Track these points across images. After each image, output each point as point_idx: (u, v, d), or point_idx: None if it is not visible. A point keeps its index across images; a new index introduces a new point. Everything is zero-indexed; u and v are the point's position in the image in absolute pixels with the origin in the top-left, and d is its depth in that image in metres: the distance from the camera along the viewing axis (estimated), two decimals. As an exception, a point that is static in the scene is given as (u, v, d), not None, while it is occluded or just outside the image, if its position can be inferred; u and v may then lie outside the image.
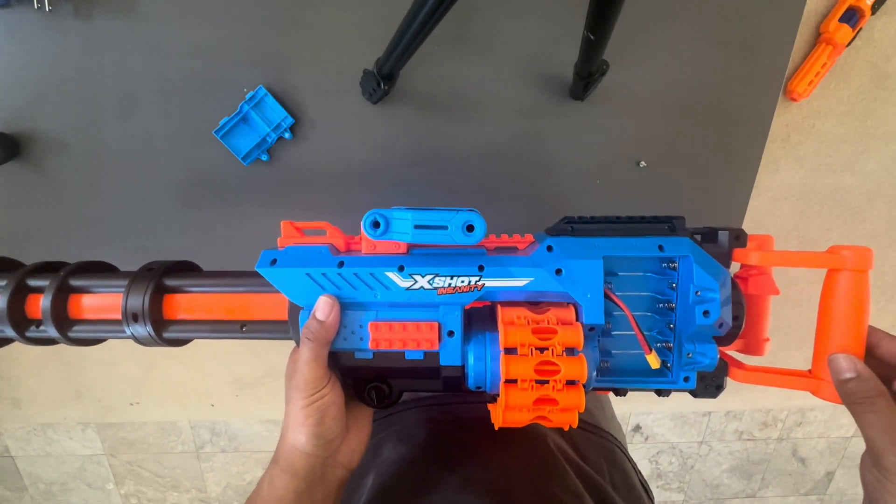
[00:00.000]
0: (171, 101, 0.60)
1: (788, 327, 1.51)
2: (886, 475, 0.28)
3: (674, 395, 0.36)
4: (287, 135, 0.62)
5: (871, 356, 0.32)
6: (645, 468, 1.86)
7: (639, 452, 1.81)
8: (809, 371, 0.33)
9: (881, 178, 1.35)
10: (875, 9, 1.15)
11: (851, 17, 1.14)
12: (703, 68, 0.64)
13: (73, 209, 0.64)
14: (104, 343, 1.46)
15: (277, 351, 1.45)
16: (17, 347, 1.54)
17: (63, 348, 1.36)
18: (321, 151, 0.63)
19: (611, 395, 0.37)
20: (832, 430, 1.82)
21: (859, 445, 1.85)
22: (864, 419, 0.29)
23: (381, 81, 0.55)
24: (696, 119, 0.66)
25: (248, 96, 0.60)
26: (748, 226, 0.72)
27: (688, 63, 0.63)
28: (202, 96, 0.60)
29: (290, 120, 0.61)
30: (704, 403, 1.64)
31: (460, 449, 0.43)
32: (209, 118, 0.60)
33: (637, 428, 1.74)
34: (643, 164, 0.67)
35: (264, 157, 0.63)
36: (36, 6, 0.54)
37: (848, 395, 0.30)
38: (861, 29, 1.17)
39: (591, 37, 0.45)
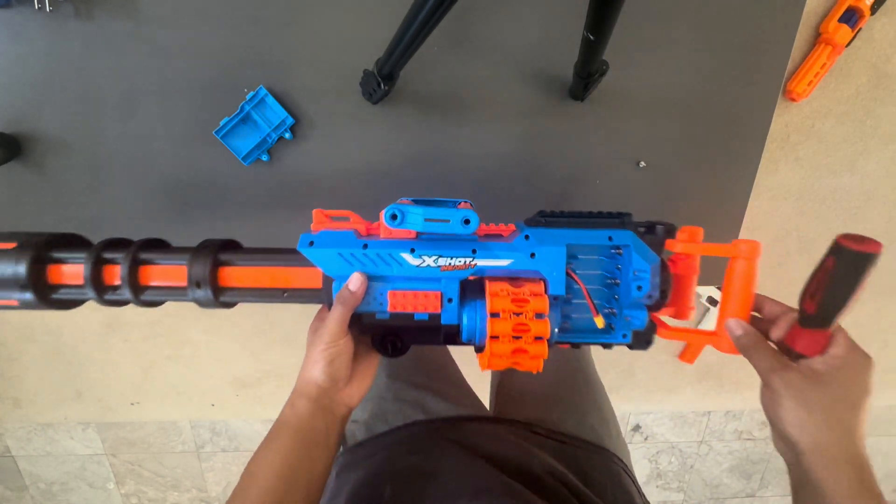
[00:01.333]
0: (172, 102, 0.60)
1: (788, 327, 1.51)
2: (776, 393, 0.37)
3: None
4: (287, 135, 0.62)
5: (757, 318, 0.43)
6: (645, 468, 1.86)
7: (638, 452, 1.81)
8: (714, 331, 0.43)
9: (880, 178, 1.36)
10: (874, 9, 1.15)
11: (851, 17, 1.14)
12: (702, 69, 0.64)
13: (74, 209, 0.64)
14: (104, 344, 1.47)
15: (277, 351, 1.45)
16: (17, 347, 1.54)
17: (63, 348, 1.36)
18: (321, 151, 0.63)
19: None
20: (832, 429, 1.82)
21: (859, 445, 1.86)
22: (753, 360, 0.39)
23: (382, 82, 0.55)
24: (695, 119, 0.66)
25: (248, 96, 0.60)
26: (748, 226, 0.72)
27: (687, 63, 0.63)
28: (203, 97, 0.60)
29: (290, 120, 0.61)
30: (704, 403, 1.64)
31: (462, 466, 0.48)
32: (210, 118, 0.60)
33: (637, 428, 1.74)
34: (643, 164, 0.67)
35: (265, 158, 0.63)
36: (37, 7, 0.54)
37: (740, 346, 0.40)
38: (860, 29, 1.17)
39: (591, 37, 0.45)
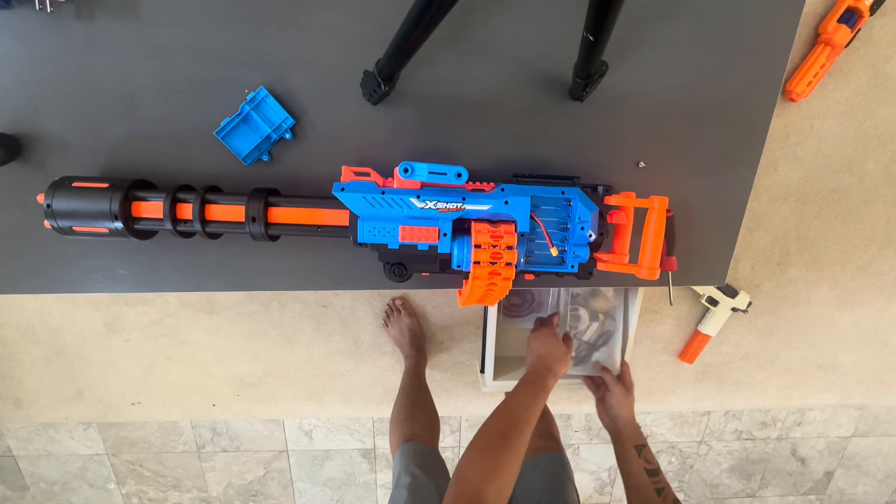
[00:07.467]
0: (172, 102, 0.60)
1: (787, 326, 1.51)
2: (611, 394, 0.88)
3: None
4: (288, 135, 0.62)
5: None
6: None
7: (638, 452, 1.81)
8: (637, 264, 0.59)
9: (879, 178, 1.36)
10: (874, 10, 1.15)
11: (850, 17, 1.14)
12: (702, 69, 0.64)
13: (75, 209, 0.64)
14: (105, 344, 1.46)
15: (277, 351, 1.45)
16: (19, 347, 1.54)
17: (64, 348, 1.36)
18: (322, 152, 0.64)
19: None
20: (831, 429, 1.82)
21: (858, 445, 1.86)
22: (607, 380, 0.91)
23: (382, 82, 0.55)
24: (695, 119, 0.66)
25: (249, 97, 0.60)
26: (747, 226, 0.73)
27: (687, 64, 0.64)
28: (203, 97, 0.60)
29: (290, 121, 0.61)
30: (704, 403, 1.64)
31: None
32: (210, 119, 0.60)
33: (637, 427, 1.74)
34: (642, 164, 0.67)
35: (265, 158, 0.63)
36: (37, 7, 0.54)
37: (615, 379, 0.91)
38: (860, 30, 1.17)
39: (591, 38, 0.45)
